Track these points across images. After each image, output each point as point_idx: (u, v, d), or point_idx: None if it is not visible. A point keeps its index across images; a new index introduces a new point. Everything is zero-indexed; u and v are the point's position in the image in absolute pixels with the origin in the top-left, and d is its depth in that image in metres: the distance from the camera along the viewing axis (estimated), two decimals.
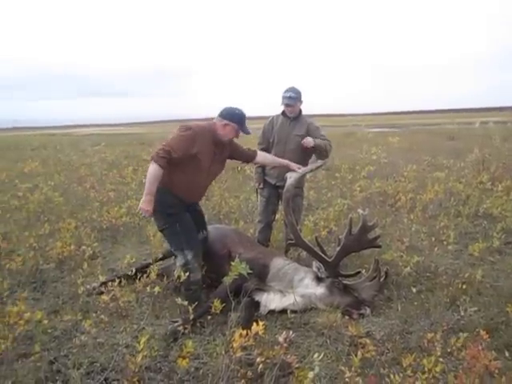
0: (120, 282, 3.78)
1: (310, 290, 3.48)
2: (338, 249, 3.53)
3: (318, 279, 3.50)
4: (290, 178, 3.78)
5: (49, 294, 4.06)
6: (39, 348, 2.75)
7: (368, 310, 3.37)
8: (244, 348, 2.61)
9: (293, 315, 3.40)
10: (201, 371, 2.74)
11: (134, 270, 4.02)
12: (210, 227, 4.53)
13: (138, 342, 2.32)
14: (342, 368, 2.39)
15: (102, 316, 3.13)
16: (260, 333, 2.33)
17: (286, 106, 4.35)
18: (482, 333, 2.13)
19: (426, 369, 1.96)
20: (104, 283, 3.90)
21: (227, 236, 4.08)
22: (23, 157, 15.53)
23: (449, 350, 2.25)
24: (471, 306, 3.33)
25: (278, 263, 3.64)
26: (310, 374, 1.97)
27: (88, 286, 3.96)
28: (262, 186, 4.65)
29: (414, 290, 3.60)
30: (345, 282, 3.50)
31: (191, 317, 3.05)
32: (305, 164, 4.42)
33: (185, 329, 3.02)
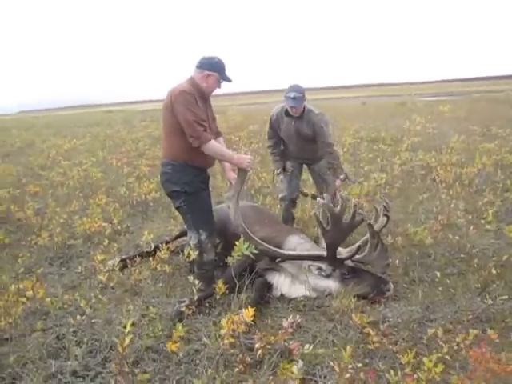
0: (134, 259, 3.80)
1: (323, 284, 3.24)
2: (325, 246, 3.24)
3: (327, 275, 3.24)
4: (228, 198, 3.33)
5: (73, 269, 4.14)
6: (42, 325, 2.80)
7: (391, 286, 3.12)
8: (245, 332, 2.52)
9: (306, 298, 3.24)
10: (201, 353, 2.65)
11: (152, 247, 4.03)
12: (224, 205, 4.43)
13: (125, 325, 2.24)
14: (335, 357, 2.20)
15: (102, 297, 3.13)
16: (249, 320, 2.18)
17: (291, 107, 4.12)
18: (490, 332, 1.84)
19: (426, 368, 1.74)
20: (123, 260, 3.95)
21: (243, 213, 3.93)
22: (77, 134, 16.17)
23: (455, 348, 1.99)
24: (504, 294, 3.00)
25: (292, 243, 3.44)
26: (294, 369, 1.81)
27: (109, 262, 3.98)
28: (278, 171, 4.53)
29: (438, 273, 3.29)
30: (351, 265, 3.24)
31: (195, 297, 2.98)
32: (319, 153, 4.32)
33: (189, 309, 2.95)
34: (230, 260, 2.84)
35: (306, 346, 2.34)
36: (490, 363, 1.60)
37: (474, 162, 6.04)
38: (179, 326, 2.40)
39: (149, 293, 3.49)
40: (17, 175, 8.06)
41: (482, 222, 4.22)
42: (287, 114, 4.24)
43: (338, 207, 3.04)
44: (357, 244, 3.22)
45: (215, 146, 3.20)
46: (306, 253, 3.27)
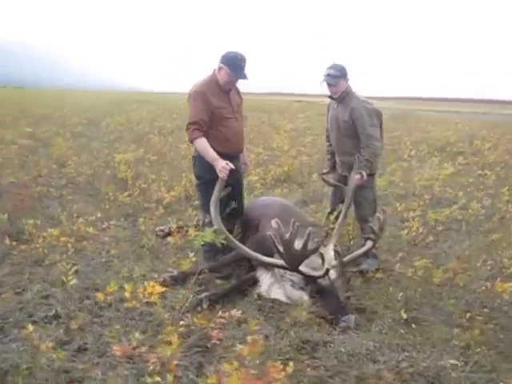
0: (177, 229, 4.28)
1: (297, 293, 3.21)
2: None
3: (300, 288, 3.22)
4: (211, 203, 3.43)
5: (133, 226, 4.86)
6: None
7: (350, 318, 2.94)
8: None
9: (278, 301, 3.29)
10: (152, 316, 2.97)
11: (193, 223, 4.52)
12: (262, 198, 4.65)
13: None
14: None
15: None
16: (156, 293, 2.44)
17: (328, 85, 3.87)
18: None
19: None
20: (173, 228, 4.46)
21: (266, 208, 4.05)
22: None
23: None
24: (484, 363, 2.57)
25: None
26: (166, 350, 2.02)
27: (157, 228, 4.61)
28: (326, 170, 4.41)
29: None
30: (324, 284, 3.09)
31: (174, 272, 3.37)
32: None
33: (164, 281, 3.32)
34: (196, 243, 3.06)
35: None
36: None
37: None
38: (127, 285, 2.68)
39: (164, 260, 3.96)
40: (160, 148, 9.35)
41: None
42: (331, 95, 3.97)
43: (288, 234, 2.93)
44: (326, 266, 3.08)
45: (200, 144, 3.52)
46: (280, 261, 3.19)
